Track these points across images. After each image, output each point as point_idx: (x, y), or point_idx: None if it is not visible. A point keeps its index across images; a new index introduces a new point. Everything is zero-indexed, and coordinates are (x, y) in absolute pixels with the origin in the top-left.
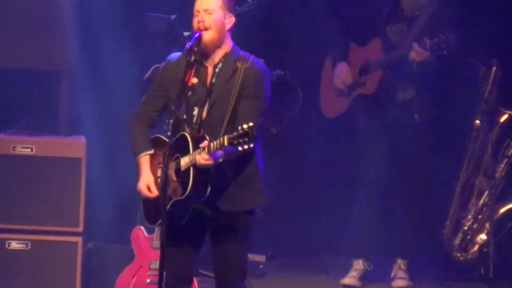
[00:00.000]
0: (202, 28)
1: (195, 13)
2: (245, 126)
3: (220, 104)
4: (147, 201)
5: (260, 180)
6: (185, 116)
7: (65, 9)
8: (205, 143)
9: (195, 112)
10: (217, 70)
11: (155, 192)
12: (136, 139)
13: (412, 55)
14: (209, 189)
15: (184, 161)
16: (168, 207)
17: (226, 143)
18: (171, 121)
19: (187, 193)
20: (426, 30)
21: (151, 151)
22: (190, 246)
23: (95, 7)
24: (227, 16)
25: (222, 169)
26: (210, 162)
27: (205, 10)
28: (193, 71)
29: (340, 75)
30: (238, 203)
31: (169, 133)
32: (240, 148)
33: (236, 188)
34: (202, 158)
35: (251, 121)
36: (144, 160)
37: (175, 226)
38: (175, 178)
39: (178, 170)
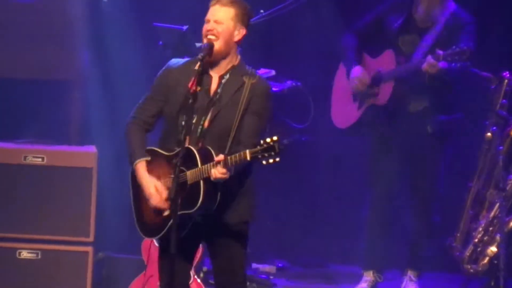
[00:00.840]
0: (209, 36)
1: (206, 21)
2: (268, 140)
3: (225, 116)
4: (144, 214)
5: (254, 193)
6: (183, 123)
7: (76, 21)
8: (221, 157)
9: (194, 120)
10: (223, 81)
11: (164, 194)
12: (132, 145)
13: (425, 67)
14: (217, 201)
15: (192, 174)
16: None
17: (248, 158)
18: (168, 128)
19: (197, 206)
20: (438, 41)
21: (148, 158)
22: (186, 254)
23: (107, 19)
24: (237, 28)
25: (225, 181)
26: (227, 176)
27: (216, 21)
28: (196, 78)
29: (357, 77)
30: (236, 214)
31: (163, 140)
32: (264, 162)
33: (235, 199)
34: (219, 172)
35: (256, 138)
36: (141, 166)
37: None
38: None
39: (183, 183)
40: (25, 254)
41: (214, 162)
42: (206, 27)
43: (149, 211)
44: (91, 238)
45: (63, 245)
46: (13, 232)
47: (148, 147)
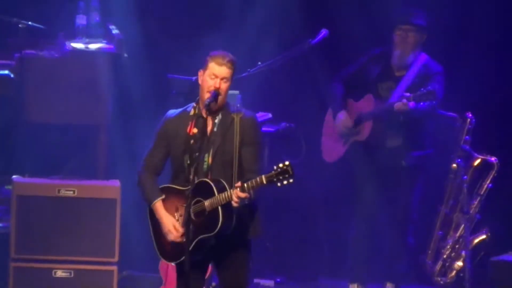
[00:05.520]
0: (216, 92)
1: (212, 76)
2: (281, 164)
3: (224, 150)
4: (165, 242)
5: (259, 214)
6: (188, 161)
7: (102, 74)
8: (239, 183)
9: (199, 157)
10: (217, 121)
11: (180, 231)
12: (147, 189)
13: (396, 106)
14: (233, 224)
15: (210, 202)
16: (193, 245)
17: (265, 182)
18: (176, 168)
19: (217, 228)
20: (411, 88)
21: (163, 196)
22: (199, 273)
23: (127, 71)
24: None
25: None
26: (247, 196)
27: (223, 78)
28: (193, 122)
29: (342, 122)
30: (243, 233)
31: (173, 178)
32: (279, 184)
33: (241, 220)
34: (240, 196)
35: (258, 163)
36: (159, 205)
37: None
38: (194, 219)
39: (201, 211)
40: (60, 273)
41: (234, 188)
42: (214, 83)
43: (169, 241)
44: (116, 259)
45: (92, 265)
46: (49, 254)
47: (163, 185)
